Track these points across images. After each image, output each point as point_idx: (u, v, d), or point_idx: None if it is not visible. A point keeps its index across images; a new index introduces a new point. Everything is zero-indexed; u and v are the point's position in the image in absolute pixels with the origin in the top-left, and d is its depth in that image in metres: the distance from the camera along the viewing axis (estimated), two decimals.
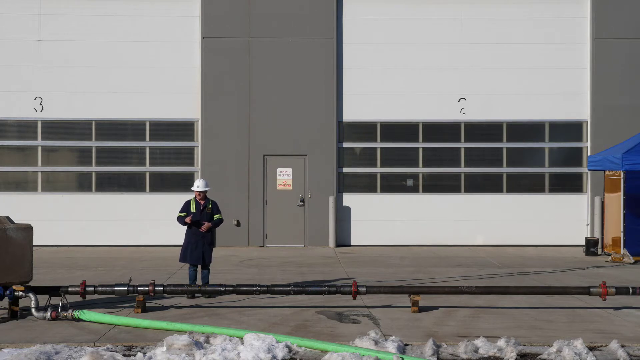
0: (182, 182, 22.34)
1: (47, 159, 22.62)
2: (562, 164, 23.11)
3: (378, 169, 22.88)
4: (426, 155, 22.92)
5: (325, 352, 9.72)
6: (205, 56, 22.35)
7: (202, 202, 14.10)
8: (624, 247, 19.19)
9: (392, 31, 22.78)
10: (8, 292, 11.57)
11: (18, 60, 22.41)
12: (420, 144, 22.90)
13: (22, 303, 11.85)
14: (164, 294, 12.61)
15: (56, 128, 22.55)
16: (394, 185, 22.90)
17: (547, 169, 23.02)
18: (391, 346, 9.77)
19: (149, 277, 15.31)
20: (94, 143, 22.60)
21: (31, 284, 11.99)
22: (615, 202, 19.80)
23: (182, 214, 14.04)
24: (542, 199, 22.94)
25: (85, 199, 22.52)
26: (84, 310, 11.59)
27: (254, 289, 12.35)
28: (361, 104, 22.70)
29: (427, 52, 22.82)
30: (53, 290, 12.05)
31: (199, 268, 14.12)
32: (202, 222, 13.95)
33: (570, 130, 23.08)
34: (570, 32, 22.98)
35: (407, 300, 12.47)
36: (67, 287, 12.07)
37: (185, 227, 14.11)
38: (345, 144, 22.79)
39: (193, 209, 14.05)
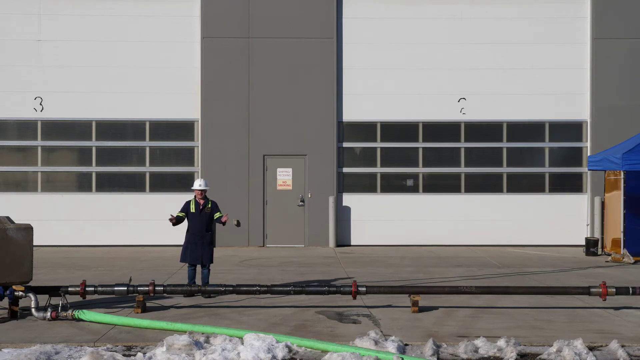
0: (182, 182, 22.34)
1: (47, 159, 22.61)
2: (562, 164, 23.11)
3: (378, 169, 22.88)
4: (426, 155, 22.92)
5: (325, 352, 9.71)
6: (205, 56, 22.34)
7: (201, 201, 14.11)
8: (624, 247, 19.19)
9: (392, 31, 22.77)
10: (8, 292, 11.56)
11: (18, 60, 22.41)
12: (420, 144, 22.90)
13: (22, 303, 11.84)
14: (164, 294, 12.61)
15: (56, 128, 22.55)
16: (394, 185, 22.90)
17: (547, 169, 23.02)
18: (391, 346, 9.76)
19: (149, 277, 15.30)
20: (94, 143, 22.60)
21: (31, 284, 11.99)
22: (615, 202, 19.80)
23: (181, 214, 14.06)
24: (542, 199, 22.94)
25: (85, 199, 22.52)
26: (84, 310, 11.59)
27: (254, 289, 12.34)
28: (361, 104, 22.70)
29: (427, 52, 22.83)
30: (53, 290, 12.04)
31: (199, 268, 14.13)
32: (205, 223, 14.02)
33: (570, 130, 23.09)
34: (570, 32, 22.98)
35: (407, 300, 12.47)
36: (67, 287, 12.07)
37: (185, 227, 14.14)
38: (345, 144, 22.79)
39: (192, 209, 14.05)
